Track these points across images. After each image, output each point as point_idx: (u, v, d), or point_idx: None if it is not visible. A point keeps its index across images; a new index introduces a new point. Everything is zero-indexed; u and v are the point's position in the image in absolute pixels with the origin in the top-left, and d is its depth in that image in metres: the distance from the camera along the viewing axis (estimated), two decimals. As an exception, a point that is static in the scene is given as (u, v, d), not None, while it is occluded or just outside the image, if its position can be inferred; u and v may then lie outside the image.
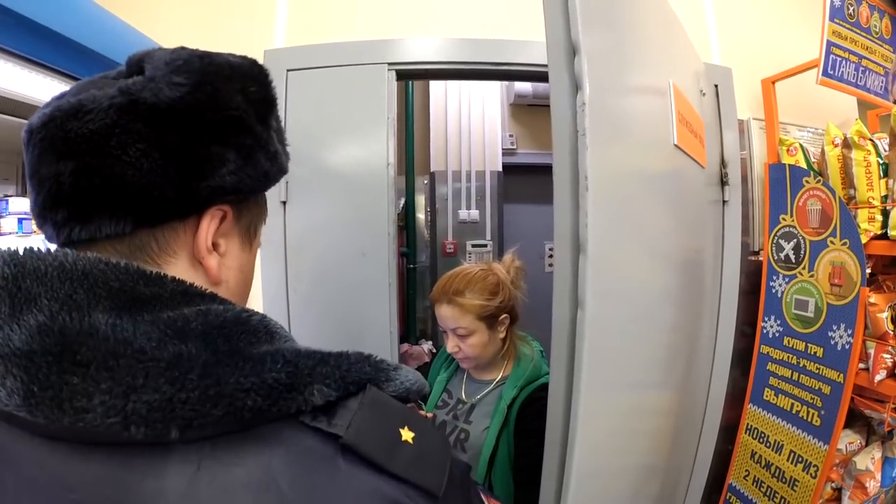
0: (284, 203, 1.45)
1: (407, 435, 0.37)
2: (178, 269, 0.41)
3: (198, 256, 0.42)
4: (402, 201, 2.54)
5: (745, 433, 1.62)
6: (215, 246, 0.43)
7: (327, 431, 0.35)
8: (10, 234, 1.55)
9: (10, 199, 1.58)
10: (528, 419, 1.07)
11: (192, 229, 0.42)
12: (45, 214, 0.39)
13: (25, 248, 0.36)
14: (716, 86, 1.59)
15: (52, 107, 0.38)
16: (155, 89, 0.37)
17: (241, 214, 0.46)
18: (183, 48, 0.42)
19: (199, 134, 0.39)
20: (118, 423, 0.31)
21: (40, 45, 0.93)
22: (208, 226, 0.42)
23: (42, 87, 1.01)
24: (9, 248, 0.36)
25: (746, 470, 1.61)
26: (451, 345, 1.15)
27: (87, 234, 0.38)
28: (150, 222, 0.39)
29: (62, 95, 0.40)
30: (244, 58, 0.45)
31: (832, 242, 1.40)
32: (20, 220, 1.57)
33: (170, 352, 0.34)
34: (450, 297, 1.12)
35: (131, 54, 0.43)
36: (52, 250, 0.36)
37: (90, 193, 0.37)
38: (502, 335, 1.17)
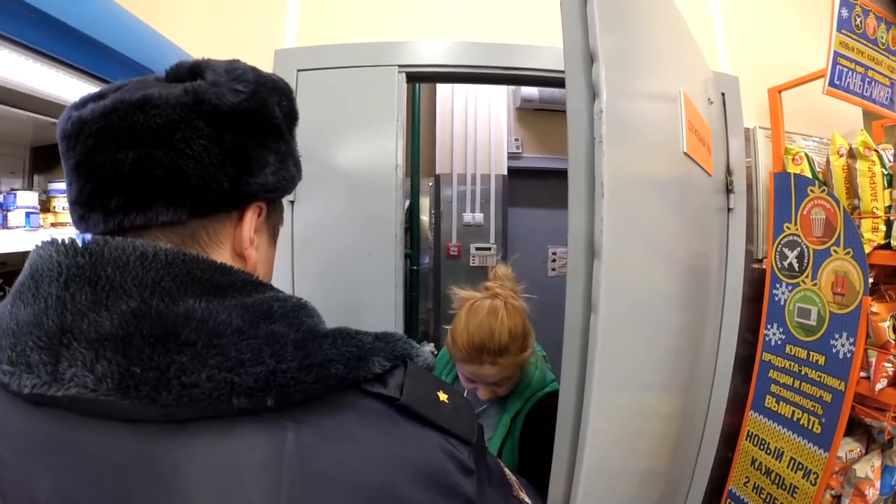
0: (292, 202, 1.46)
1: (443, 396, 0.44)
2: (223, 258, 0.43)
3: (239, 248, 0.45)
4: (407, 203, 2.55)
5: (746, 440, 1.63)
6: (250, 240, 0.46)
7: (385, 395, 0.40)
8: (17, 227, 1.53)
9: (18, 193, 1.57)
10: (535, 426, 1.07)
11: (235, 222, 0.45)
12: (93, 202, 0.40)
13: (94, 239, 0.38)
14: (723, 94, 1.61)
15: (113, 99, 0.39)
16: (219, 93, 0.41)
17: (270, 214, 0.49)
18: (238, 61, 0.45)
19: (250, 136, 0.43)
20: (224, 395, 0.33)
21: (54, 39, 0.92)
22: (251, 219, 0.45)
23: (54, 82, 1.00)
24: (68, 239, 0.37)
25: (746, 476, 1.62)
26: (484, 393, 1.08)
27: (144, 220, 0.40)
28: (203, 212, 0.42)
29: (103, 94, 0.41)
30: (275, 75, 0.49)
31: (836, 252, 1.41)
32: (28, 214, 1.56)
33: (263, 331, 0.38)
34: (493, 359, 1.02)
35: (179, 62, 0.45)
36: (120, 240, 0.38)
37: (151, 182, 0.39)
38: None
